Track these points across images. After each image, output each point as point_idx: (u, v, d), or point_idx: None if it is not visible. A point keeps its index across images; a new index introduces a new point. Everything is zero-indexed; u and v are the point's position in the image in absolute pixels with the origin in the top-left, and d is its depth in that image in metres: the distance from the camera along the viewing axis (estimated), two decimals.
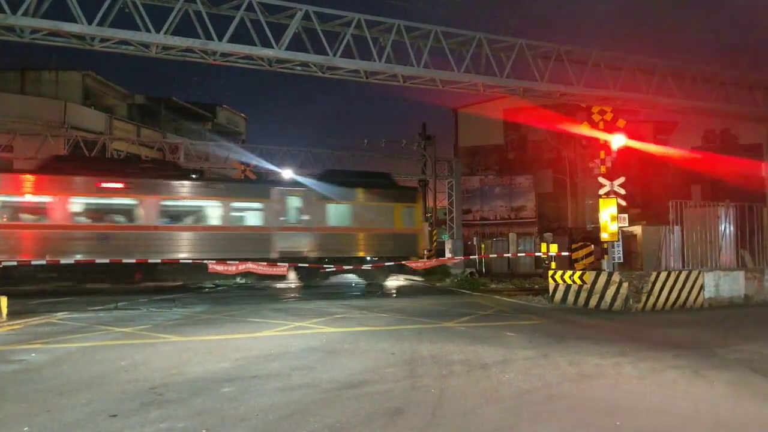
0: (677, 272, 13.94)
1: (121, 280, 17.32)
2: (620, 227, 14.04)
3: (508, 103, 31.73)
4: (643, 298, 13.28)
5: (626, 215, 14.33)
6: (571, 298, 13.94)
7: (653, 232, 16.25)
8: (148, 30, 13.71)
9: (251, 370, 6.92)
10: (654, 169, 30.54)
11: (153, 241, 16.63)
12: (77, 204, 16.26)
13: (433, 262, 19.44)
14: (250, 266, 15.84)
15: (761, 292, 14.94)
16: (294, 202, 18.48)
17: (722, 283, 14.41)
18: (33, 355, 7.83)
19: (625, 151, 14.66)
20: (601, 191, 14.32)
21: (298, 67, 15.97)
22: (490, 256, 23.88)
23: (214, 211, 17.77)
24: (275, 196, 18.27)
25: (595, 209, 14.65)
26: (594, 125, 14.55)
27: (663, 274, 13.66)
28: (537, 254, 21.10)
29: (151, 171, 17.79)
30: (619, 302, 13.18)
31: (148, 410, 5.31)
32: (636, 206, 23.79)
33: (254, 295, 16.85)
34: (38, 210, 16.08)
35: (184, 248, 16.99)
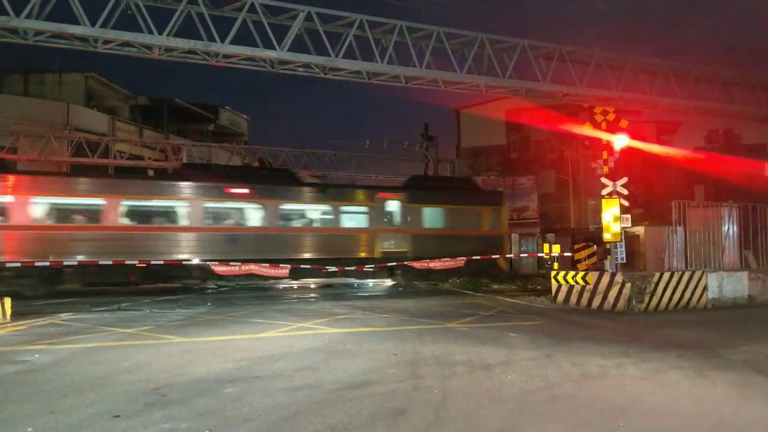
0: (680, 273, 13.90)
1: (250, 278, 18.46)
2: (623, 228, 14.03)
3: (510, 103, 31.67)
4: (646, 299, 13.25)
5: (629, 215, 14.30)
6: (573, 298, 13.93)
7: (656, 232, 16.20)
8: (150, 32, 13.77)
9: (254, 370, 6.93)
10: (657, 169, 30.45)
11: (274, 241, 17.90)
12: (209, 207, 17.52)
13: (437, 263, 19.39)
14: (253, 268, 15.89)
15: (765, 292, 14.89)
16: (393, 206, 19.88)
17: (726, 284, 14.37)
18: (37, 355, 7.86)
19: (627, 151, 14.65)
20: (604, 192, 14.30)
21: (301, 69, 16.01)
22: (493, 257, 23.80)
23: (325, 215, 19.20)
24: (378, 200, 19.65)
25: (598, 210, 14.63)
26: (596, 126, 14.54)
27: (666, 275, 13.63)
28: (539, 255, 21.05)
29: (271, 177, 19.42)
30: (621, 303, 13.15)
31: (152, 411, 5.32)
32: (639, 206, 23.73)
33: (257, 296, 16.86)
34: (173, 214, 17.27)
35: (300, 249, 18.20)
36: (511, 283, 20.46)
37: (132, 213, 16.69)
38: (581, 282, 13.71)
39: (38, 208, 15.69)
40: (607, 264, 14.17)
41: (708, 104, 19.68)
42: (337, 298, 16.14)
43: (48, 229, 15.70)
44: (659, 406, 5.72)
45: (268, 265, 16.21)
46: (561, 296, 14.17)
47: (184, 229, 17.06)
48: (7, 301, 11.18)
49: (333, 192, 19.96)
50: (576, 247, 15.91)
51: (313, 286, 20.04)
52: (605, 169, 14.37)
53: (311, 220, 19.14)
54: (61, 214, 16.16)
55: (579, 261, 15.31)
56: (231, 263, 16.05)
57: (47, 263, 14.81)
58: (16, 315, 11.27)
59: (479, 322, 11.22)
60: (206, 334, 9.59)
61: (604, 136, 14.37)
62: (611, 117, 14.51)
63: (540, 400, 5.81)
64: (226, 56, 15.11)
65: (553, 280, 14.39)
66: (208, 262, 16.20)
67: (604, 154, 14.39)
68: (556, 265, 14.84)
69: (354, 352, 8.08)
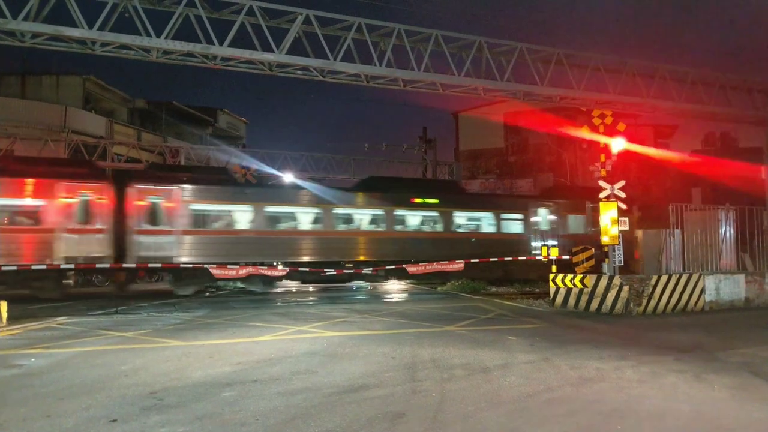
0: (678, 275, 13.92)
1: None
2: (621, 230, 14.03)
3: (508, 106, 31.74)
4: (644, 302, 13.27)
5: (627, 218, 14.31)
6: (572, 301, 13.93)
7: (654, 235, 16.23)
8: (148, 34, 13.73)
9: (252, 374, 6.91)
10: (654, 172, 30.53)
11: (448, 245, 20.30)
12: (399, 215, 20.14)
13: (435, 266, 19.37)
14: (251, 269, 15.90)
15: (762, 295, 14.93)
16: (543, 213, 22.44)
17: (723, 287, 14.40)
18: (33, 359, 7.83)
19: (625, 154, 14.65)
20: (602, 194, 14.31)
21: (299, 71, 15.99)
22: (491, 260, 23.80)
23: (489, 221, 21.85)
24: (530, 208, 22.21)
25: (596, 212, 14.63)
26: (594, 129, 14.56)
27: (664, 278, 13.65)
28: (537, 257, 21.08)
29: (439, 188, 22.11)
30: (620, 306, 13.16)
31: (148, 415, 5.30)
32: (636, 209, 23.75)
33: (255, 299, 16.84)
34: (369, 220, 19.78)
35: (468, 251, 20.31)
36: (510, 286, 20.48)
37: (341, 220, 19.24)
38: (579, 285, 13.72)
39: (264, 215, 18.02)
40: (605, 267, 14.17)
41: (705, 108, 19.68)
42: (336, 301, 16.13)
43: (278, 233, 18.21)
44: (657, 409, 5.71)
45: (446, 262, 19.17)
46: (559, 299, 14.18)
47: (377, 233, 19.59)
48: (3, 305, 11.14)
49: (495, 201, 22.80)
50: (574, 250, 15.91)
51: (311, 289, 20.01)
52: (603, 172, 14.37)
53: (477, 226, 21.75)
54: (288, 221, 18.69)
55: (577, 264, 15.31)
56: (419, 264, 18.90)
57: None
58: (13, 318, 11.23)
59: (477, 325, 11.22)
60: (204, 338, 9.56)
61: (602, 138, 14.39)
62: (609, 120, 14.53)
63: (538, 404, 5.81)
64: (224, 59, 15.08)
65: (551, 283, 14.40)
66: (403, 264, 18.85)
67: (602, 157, 14.40)
68: (554, 268, 14.84)
69: (352, 355, 8.06)
